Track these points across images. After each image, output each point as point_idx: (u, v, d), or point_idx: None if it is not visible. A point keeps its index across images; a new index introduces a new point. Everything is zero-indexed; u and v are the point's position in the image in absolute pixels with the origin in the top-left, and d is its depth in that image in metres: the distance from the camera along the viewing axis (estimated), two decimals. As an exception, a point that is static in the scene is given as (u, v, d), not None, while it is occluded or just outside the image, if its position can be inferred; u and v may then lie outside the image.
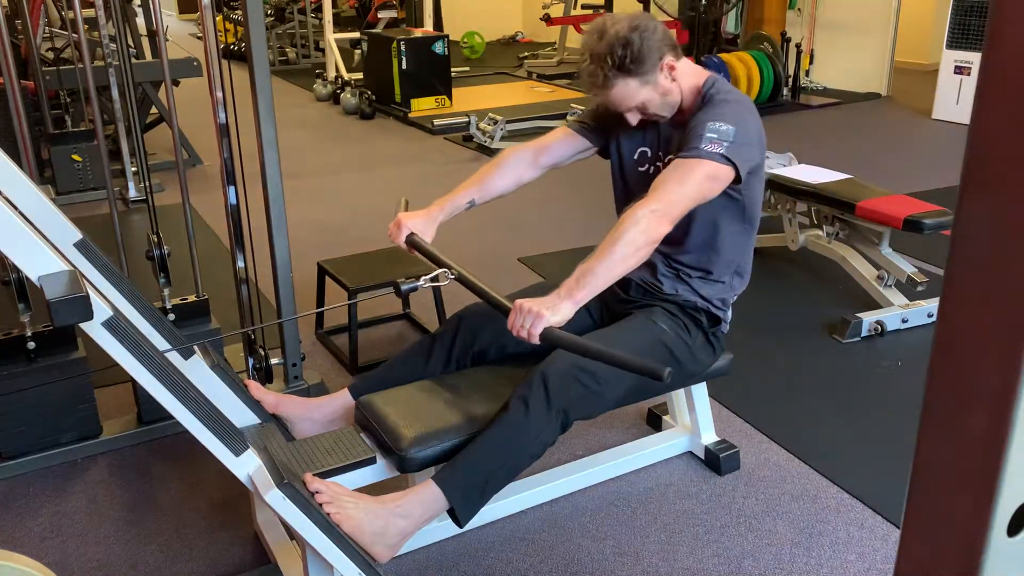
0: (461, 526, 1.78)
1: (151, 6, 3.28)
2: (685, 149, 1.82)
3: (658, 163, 2.01)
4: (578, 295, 1.67)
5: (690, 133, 1.84)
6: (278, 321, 2.44)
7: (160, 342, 1.85)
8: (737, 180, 1.84)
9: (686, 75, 1.93)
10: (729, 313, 2.07)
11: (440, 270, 1.83)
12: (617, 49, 1.84)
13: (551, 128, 6.80)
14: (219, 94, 2.27)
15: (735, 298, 2.08)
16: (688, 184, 1.77)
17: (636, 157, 2.06)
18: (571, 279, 1.69)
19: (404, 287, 1.81)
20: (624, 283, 2.03)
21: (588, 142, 2.12)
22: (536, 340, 1.61)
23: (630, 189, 2.06)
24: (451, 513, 1.76)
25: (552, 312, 1.62)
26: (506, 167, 2.11)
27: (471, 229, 4.02)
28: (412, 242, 1.97)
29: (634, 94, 1.89)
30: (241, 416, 1.90)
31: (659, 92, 1.90)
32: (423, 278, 1.82)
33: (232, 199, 2.36)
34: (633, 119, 1.95)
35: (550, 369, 1.80)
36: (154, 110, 5.46)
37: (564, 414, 1.79)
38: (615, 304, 2.06)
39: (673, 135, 1.98)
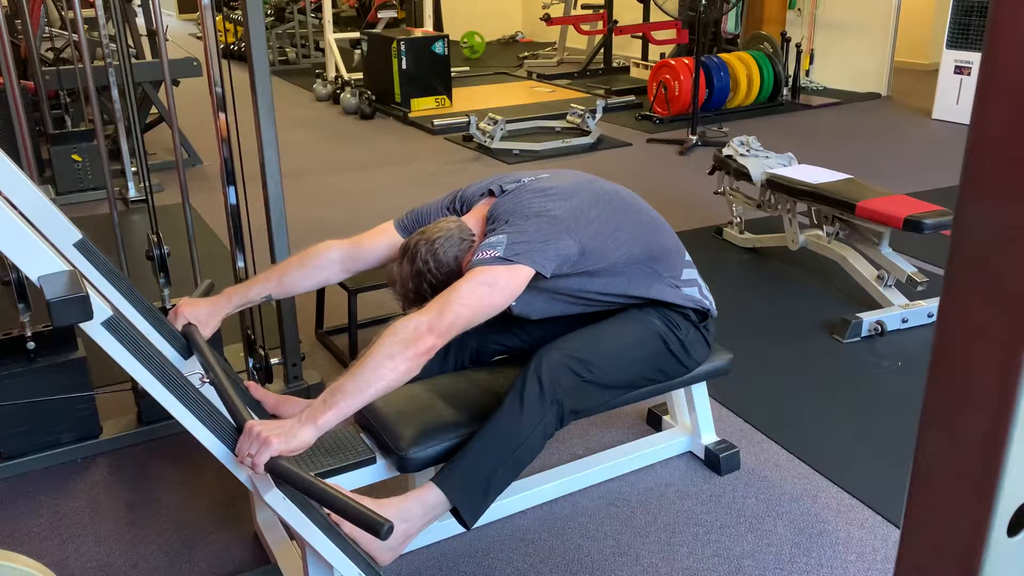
0: (468, 528, 1.78)
1: (151, 6, 3.28)
2: None
3: None
4: (321, 419, 1.49)
5: None
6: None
7: (160, 342, 1.85)
8: (541, 277, 1.73)
9: (480, 241, 1.84)
10: (697, 293, 2.03)
11: (196, 372, 1.70)
12: (418, 302, 1.81)
13: (551, 128, 6.71)
14: (219, 94, 2.27)
15: (691, 277, 2.04)
16: (460, 293, 1.64)
17: None
18: (318, 399, 1.53)
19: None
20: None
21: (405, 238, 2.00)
22: (260, 471, 1.44)
23: None
24: (456, 515, 1.76)
25: (285, 439, 1.44)
26: (313, 267, 1.97)
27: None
28: (187, 333, 1.82)
29: None
30: (241, 416, 1.89)
31: None
32: None
33: (232, 199, 2.36)
34: None
35: (543, 361, 1.81)
36: (154, 110, 5.46)
37: (559, 405, 1.79)
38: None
39: None
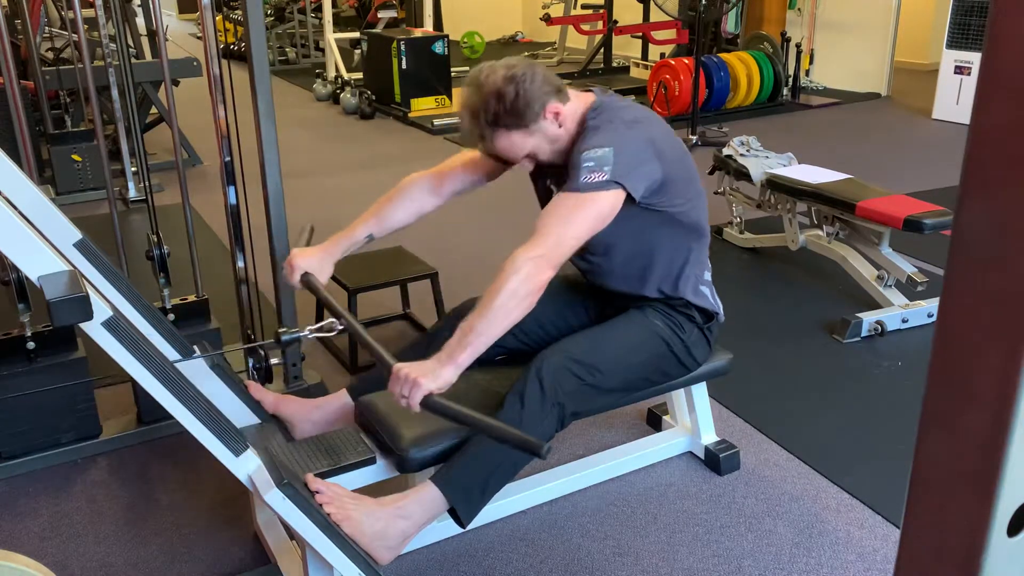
0: (464, 526, 1.78)
1: (151, 6, 3.28)
2: (566, 185, 1.75)
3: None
4: (459, 357, 1.58)
5: (570, 168, 1.77)
6: (278, 340, 2.43)
7: (160, 342, 1.86)
8: (632, 201, 1.76)
9: (572, 115, 1.86)
10: (710, 294, 2.03)
11: (329, 320, 1.73)
12: (492, 103, 1.78)
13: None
14: (219, 94, 2.27)
15: (709, 278, 2.05)
16: (572, 224, 1.68)
17: (548, 186, 2.01)
18: (453, 340, 1.61)
19: (285, 338, 1.73)
20: (608, 295, 2.03)
21: (498, 164, 2.03)
22: (416, 409, 1.54)
23: None
24: (453, 514, 1.76)
25: (431, 379, 1.54)
26: (406, 198, 2.03)
27: (470, 229, 4.02)
28: (307, 283, 1.88)
29: (520, 145, 1.82)
30: (241, 416, 1.90)
31: (547, 139, 1.83)
32: (308, 328, 1.74)
33: (232, 199, 2.36)
34: (528, 165, 1.91)
35: (545, 363, 1.80)
36: (154, 110, 5.46)
37: (560, 408, 1.79)
38: (607, 309, 2.06)
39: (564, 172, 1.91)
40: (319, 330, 1.73)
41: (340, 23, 9.43)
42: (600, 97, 1.91)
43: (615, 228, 1.82)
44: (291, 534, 1.90)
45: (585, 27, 8.70)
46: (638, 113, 1.88)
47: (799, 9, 7.62)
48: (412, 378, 1.53)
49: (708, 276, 2.04)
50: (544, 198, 2.03)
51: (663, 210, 1.87)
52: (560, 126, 1.84)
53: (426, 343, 2.07)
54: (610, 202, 1.72)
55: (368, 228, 2.00)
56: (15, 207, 1.46)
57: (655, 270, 1.94)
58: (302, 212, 4.29)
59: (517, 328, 2.08)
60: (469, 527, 1.83)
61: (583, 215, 1.70)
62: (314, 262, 1.92)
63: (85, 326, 1.39)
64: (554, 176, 1.96)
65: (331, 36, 7.85)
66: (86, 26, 3.00)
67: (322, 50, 9.20)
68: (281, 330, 1.73)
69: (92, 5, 2.97)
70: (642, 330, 1.93)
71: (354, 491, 1.73)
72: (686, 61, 6.35)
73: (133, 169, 4.06)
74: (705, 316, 2.01)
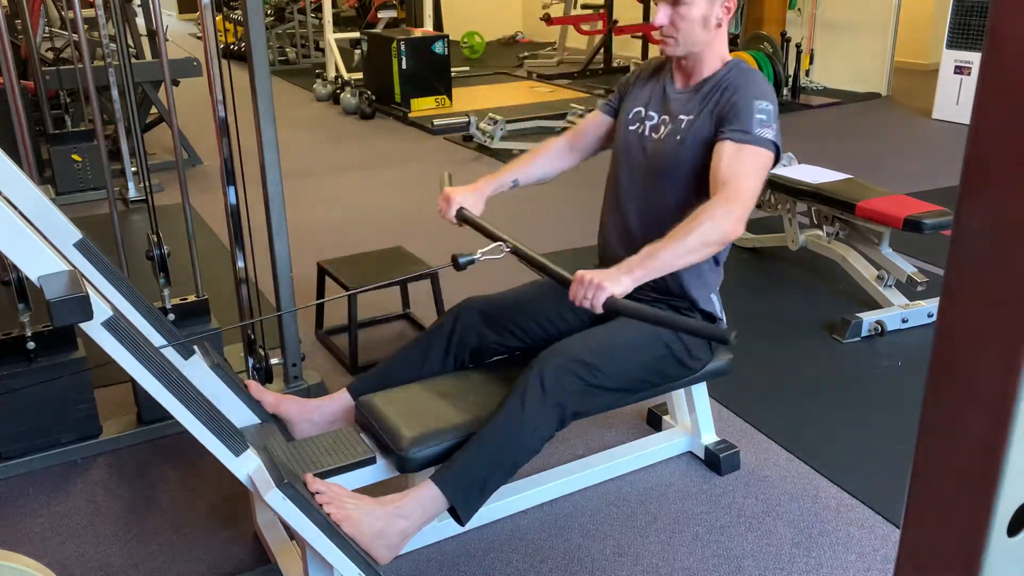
0: (463, 524, 1.79)
1: (151, 6, 3.28)
2: (737, 128, 1.81)
3: (648, 122, 2.02)
4: (637, 272, 1.69)
5: (734, 106, 1.84)
6: (277, 314, 2.44)
7: (160, 342, 1.85)
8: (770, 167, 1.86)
9: (721, 39, 1.94)
10: (718, 304, 2.06)
11: (495, 244, 1.84)
12: None
13: (551, 128, 6.70)
14: (219, 94, 2.27)
15: (718, 289, 2.07)
16: (757, 178, 1.80)
17: (630, 116, 2.06)
18: (636, 257, 1.71)
19: (462, 260, 1.82)
20: None
21: (610, 117, 2.15)
22: (599, 310, 1.64)
23: (618, 151, 2.10)
24: (452, 512, 1.76)
25: (613, 284, 1.64)
26: (547, 154, 2.18)
27: (470, 229, 4.02)
28: (463, 216, 2.01)
29: None
30: (241, 416, 1.89)
31: (702, 22, 1.88)
32: (480, 251, 1.83)
33: (232, 199, 2.36)
34: (663, 15, 1.90)
35: (546, 363, 1.80)
36: (154, 110, 5.46)
37: (561, 408, 1.79)
38: None
39: (672, 98, 1.98)
40: (490, 252, 1.84)
41: (340, 23, 9.43)
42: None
43: (679, 197, 1.91)
44: (291, 534, 1.90)
45: (585, 27, 8.71)
46: None
47: (799, 9, 7.62)
48: (596, 282, 1.63)
49: (718, 287, 2.06)
50: (624, 125, 2.07)
51: None
52: (718, 27, 1.90)
53: (426, 342, 2.07)
54: (773, 161, 1.83)
55: (514, 175, 2.13)
56: (15, 207, 1.46)
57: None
58: (302, 212, 4.29)
59: (517, 328, 2.09)
60: (468, 526, 1.83)
61: (762, 171, 1.81)
62: (468, 198, 2.05)
63: (85, 326, 1.39)
64: (653, 103, 2.01)
65: (331, 36, 7.85)
66: (86, 26, 3.00)
67: (322, 50, 9.20)
68: (457, 253, 1.82)
69: (92, 5, 2.97)
70: (643, 331, 1.93)
71: (354, 491, 1.73)
72: (686, 61, 6.34)
73: (133, 169, 4.07)
74: (708, 320, 2.02)
